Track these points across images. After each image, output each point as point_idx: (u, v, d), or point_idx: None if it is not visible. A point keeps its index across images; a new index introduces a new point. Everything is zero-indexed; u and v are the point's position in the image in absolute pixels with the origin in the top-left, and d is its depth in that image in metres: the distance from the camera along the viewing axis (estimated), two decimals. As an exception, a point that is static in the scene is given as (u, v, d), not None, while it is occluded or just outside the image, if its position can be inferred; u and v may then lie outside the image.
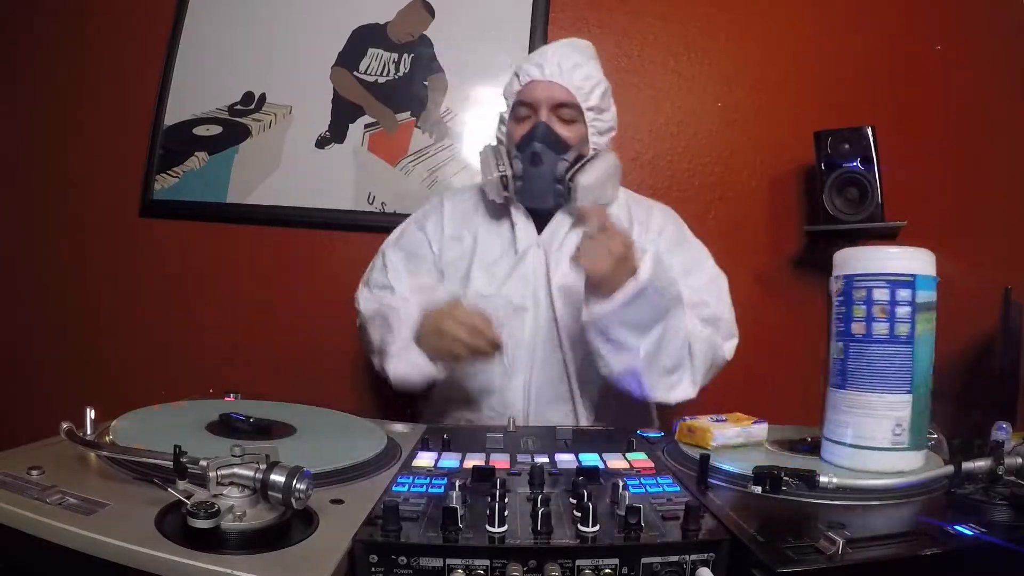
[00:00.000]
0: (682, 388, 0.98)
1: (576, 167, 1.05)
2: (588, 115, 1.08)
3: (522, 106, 1.08)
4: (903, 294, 0.64)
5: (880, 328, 0.65)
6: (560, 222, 1.11)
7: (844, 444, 0.66)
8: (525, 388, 1.07)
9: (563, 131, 1.06)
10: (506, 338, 1.00)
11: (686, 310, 0.99)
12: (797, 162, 1.64)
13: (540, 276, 1.08)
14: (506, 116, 1.13)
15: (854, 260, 0.68)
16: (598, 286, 0.91)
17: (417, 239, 1.17)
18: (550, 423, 0.96)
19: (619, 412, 1.06)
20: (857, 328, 0.66)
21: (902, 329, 0.64)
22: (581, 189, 1.04)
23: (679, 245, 1.15)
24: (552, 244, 1.10)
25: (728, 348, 1.08)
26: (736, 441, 0.74)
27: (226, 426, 0.70)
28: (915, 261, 0.66)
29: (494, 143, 1.17)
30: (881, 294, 0.65)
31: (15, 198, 1.74)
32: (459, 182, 1.60)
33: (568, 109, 1.07)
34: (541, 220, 1.12)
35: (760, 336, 1.63)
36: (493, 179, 1.07)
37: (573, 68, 1.06)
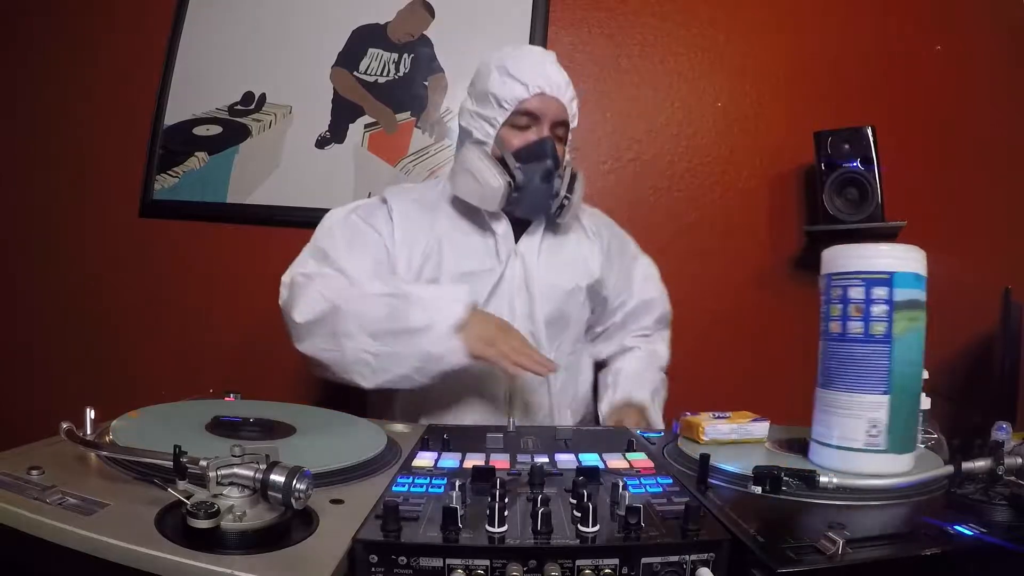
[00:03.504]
0: None
1: (570, 184, 1.08)
2: (569, 133, 1.12)
3: (524, 115, 1.05)
4: (879, 292, 0.63)
5: (855, 327, 0.64)
6: (536, 230, 1.12)
7: (828, 445, 0.65)
8: (505, 397, 1.07)
9: (558, 147, 1.08)
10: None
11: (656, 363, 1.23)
12: (797, 162, 1.64)
13: (521, 285, 1.09)
14: (497, 119, 1.05)
15: (835, 258, 0.67)
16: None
17: (371, 238, 1.07)
18: None
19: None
20: (834, 327, 0.65)
21: (877, 328, 0.62)
22: (574, 206, 1.10)
23: (625, 253, 1.26)
24: (529, 252, 1.10)
25: (666, 354, 1.27)
26: (729, 438, 0.74)
27: (226, 426, 0.70)
28: (893, 259, 0.63)
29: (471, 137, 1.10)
30: (856, 292, 0.63)
31: (15, 198, 1.74)
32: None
33: (562, 127, 1.09)
34: (517, 228, 1.12)
35: (760, 336, 1.64)
36: (497, 188, 1.02)
37: (567, 86, 1.08)
